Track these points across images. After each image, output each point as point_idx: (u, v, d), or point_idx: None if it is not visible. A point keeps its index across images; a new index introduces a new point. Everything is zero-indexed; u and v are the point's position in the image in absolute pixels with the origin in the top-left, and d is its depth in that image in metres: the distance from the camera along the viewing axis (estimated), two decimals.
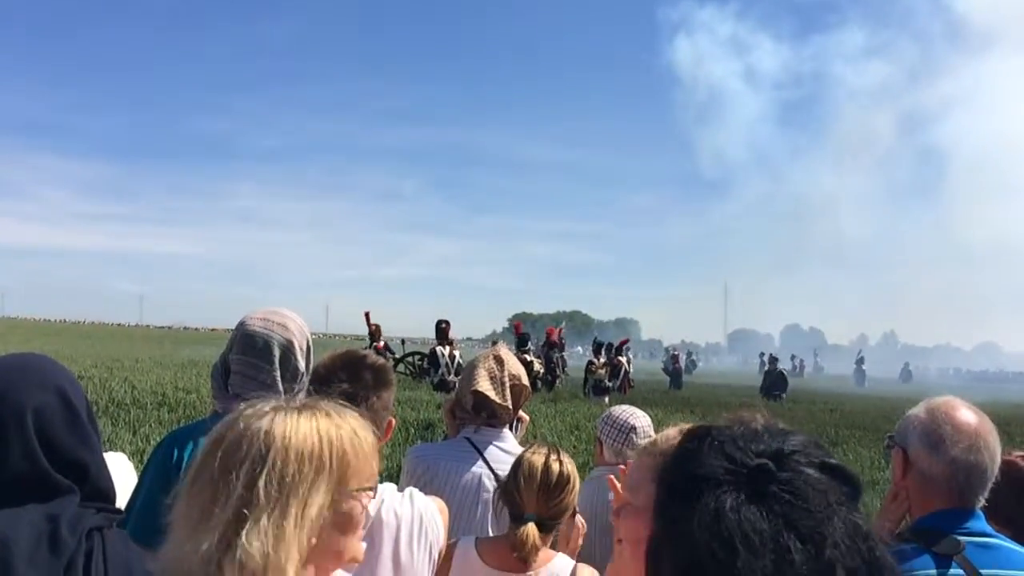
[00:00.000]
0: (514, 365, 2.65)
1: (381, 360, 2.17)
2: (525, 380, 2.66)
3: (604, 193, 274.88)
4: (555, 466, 2.08)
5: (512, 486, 2.07)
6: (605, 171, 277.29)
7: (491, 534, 2.36)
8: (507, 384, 2.59)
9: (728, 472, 0.91)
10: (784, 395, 22.07)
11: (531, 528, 1.98)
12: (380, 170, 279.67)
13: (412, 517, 1.98)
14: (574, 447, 9.52)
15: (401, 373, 18.18)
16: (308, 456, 1.08)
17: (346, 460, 1.12)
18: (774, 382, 23.01)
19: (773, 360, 24.40)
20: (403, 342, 23.47)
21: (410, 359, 19.17)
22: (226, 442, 1.10)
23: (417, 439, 9.00)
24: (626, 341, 21.28)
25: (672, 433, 1.49)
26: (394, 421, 2.14)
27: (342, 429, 1.14)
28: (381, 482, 2.06)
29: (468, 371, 2.64)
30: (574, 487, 2.10)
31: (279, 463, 1.07)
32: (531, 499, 2.03)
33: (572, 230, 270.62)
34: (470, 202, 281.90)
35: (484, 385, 2.56)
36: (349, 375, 2.05)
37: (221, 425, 1.14)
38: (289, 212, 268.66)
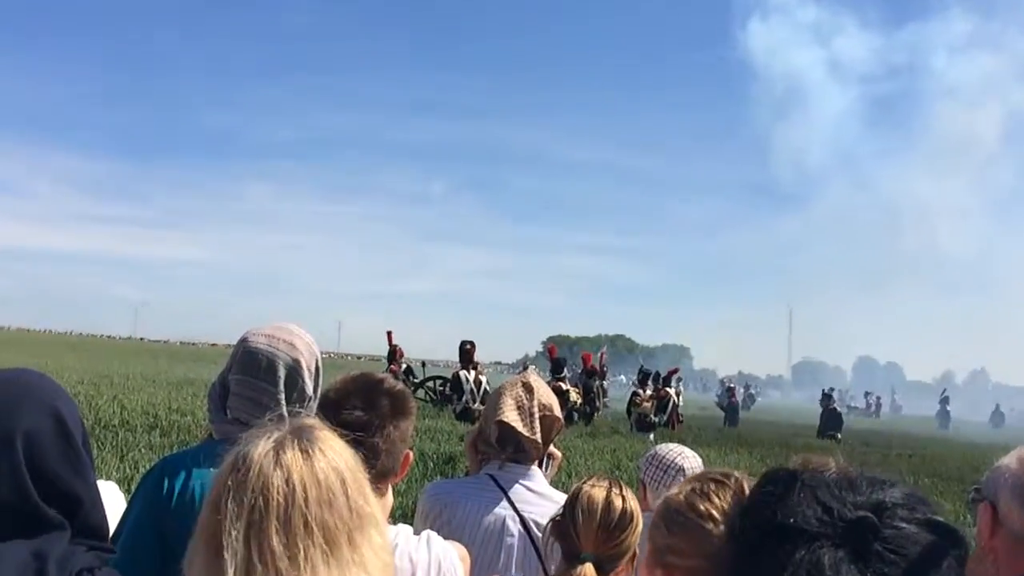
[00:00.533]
0: (545, 394, 2.63)
1: (400, 385, 2.16)
2: (557, 411, 2.62)
3: (657, 202, 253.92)
4: (618, 501, 2.03)
5: (568, 521, 2.02)
6: (659, 177, 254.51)
7: None
8: (536, 415, 2.56)
9: (823, 524, 0.88)
10: (839, 435, 21.89)
11: (588, 569, 1.95)
12: (406, 170, 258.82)
13: (429, 563, 1.98)
14: None
15: (421, 400, 18.38)
16: (360, 478, 1.23)
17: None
18: (827, 421, 22.96)
19: (827, 396, 24.33)
20: (424, 365, 23.59)
21: (431, 384, 19.39)
22: (292, 487, 1.15)
23: (436, 474, 9.01)
24: (676, 371, 21.40)
25: (682, 486, 1.48)
26: (411, 455, 2.14)
27: (348, 451, 1.28)
28: (395, 523, 2.07)
29: (493, 399, 2.62)
30: (637, 526, 2.06)
31: (352, 489, 1.19)
32: (589, 537, 1.98)
33: (619, 243, 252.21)
34: (505, 208, 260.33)
35: (511, 415, 2.54)
36: (364, 401, 2.03)
37: (250, 472, 1.16)
38: (302, 215, 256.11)
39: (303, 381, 2.18)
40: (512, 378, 2.73)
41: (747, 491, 1.33)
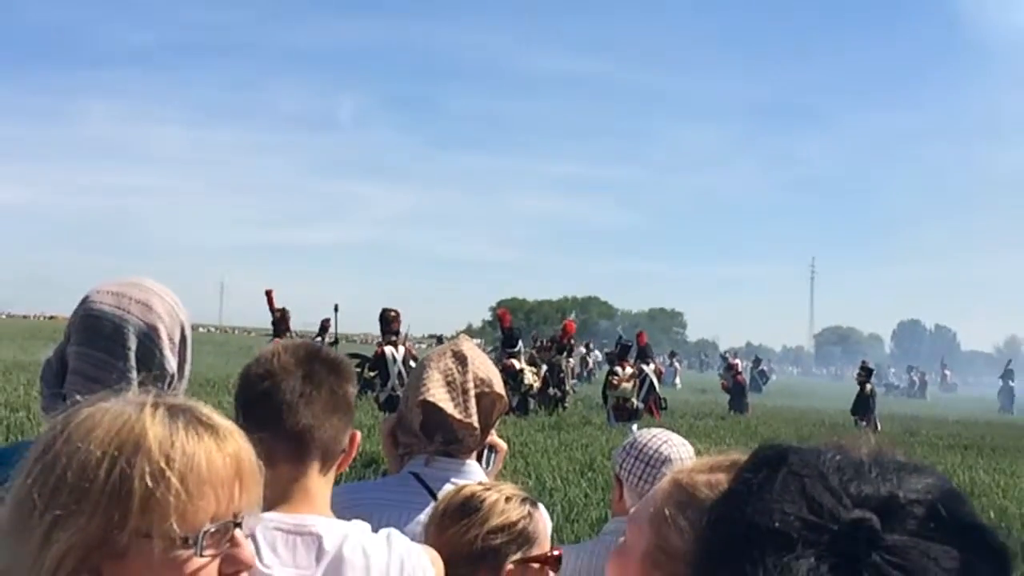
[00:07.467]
0: (482, 365, 2.48)
1: (334, 353, 2.06)
2: (499, 387, 2.48)
3: (639, 123, 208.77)
4: (486, 495, 2.03)
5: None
6: (642, 89, 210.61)
7: None
8: (472, 392, 2.40)
9: (808, 526, 0.78)
10: (876, 421, 19.53)
11: None
12: (305, 83, 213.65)
13: (389, 563, 1.79)
14: (586, 495, 9.07)
15: None
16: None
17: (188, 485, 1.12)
18: (857, 404, 20.25)
19: (866, 371, 20.90)
20: (336, 341, 20.55)
21: None
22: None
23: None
24: (641, 339, 18.84)
25: (721, 461, 1.32)
26: (358, 435, 2.01)
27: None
28: None
29: (416, 375, 2.46)
30: (494, 523, 1.99)
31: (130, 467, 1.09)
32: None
33: (592, 177, 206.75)
34: (439, 135, 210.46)
35: (438, 393, 2.37)
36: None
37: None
38: (167, 143, 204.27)
39: (161, 354, 1.94)
40: (440, 347, 2.58)
41: None
